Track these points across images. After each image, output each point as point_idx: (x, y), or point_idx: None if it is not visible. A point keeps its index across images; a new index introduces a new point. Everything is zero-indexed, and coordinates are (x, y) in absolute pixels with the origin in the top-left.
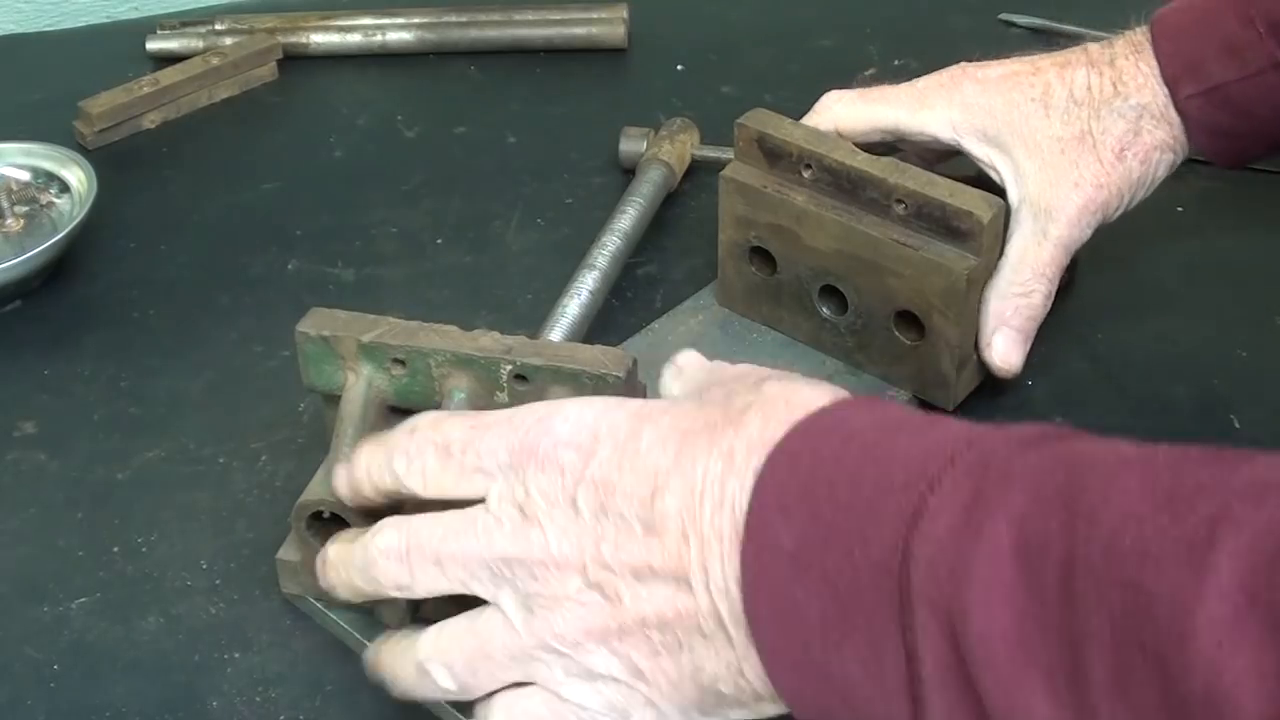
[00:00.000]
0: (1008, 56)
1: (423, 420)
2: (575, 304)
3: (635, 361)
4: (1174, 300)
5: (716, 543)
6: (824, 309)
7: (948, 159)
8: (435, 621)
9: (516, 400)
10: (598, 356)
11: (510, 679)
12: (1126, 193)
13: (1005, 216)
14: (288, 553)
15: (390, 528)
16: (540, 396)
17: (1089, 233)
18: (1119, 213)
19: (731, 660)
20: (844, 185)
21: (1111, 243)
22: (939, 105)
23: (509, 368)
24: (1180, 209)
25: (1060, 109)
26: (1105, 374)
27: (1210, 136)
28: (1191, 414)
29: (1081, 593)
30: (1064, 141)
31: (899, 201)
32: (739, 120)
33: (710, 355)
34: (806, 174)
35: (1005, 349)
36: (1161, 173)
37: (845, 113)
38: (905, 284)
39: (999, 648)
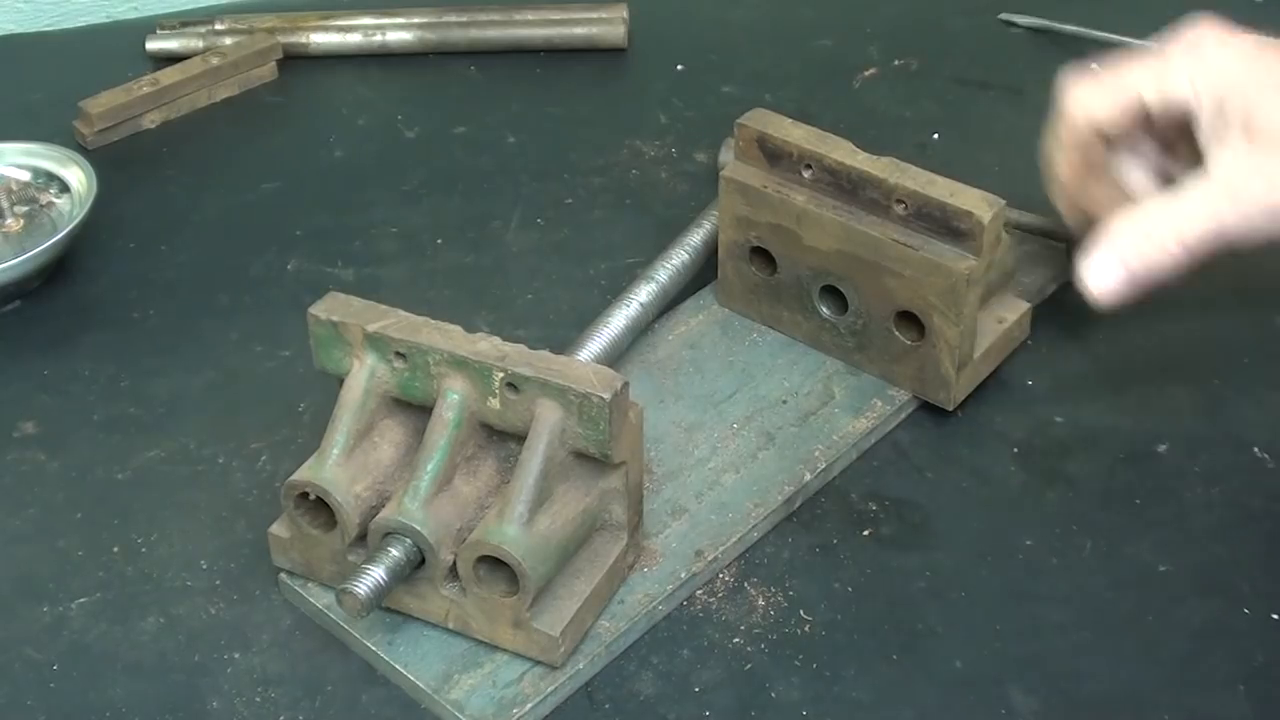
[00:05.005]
0: (1013, 57)
1: None
2: (622, 315)
3: (626, 385)
4: (1174, 300)
5: None
6: (824, 309)
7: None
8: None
9: (508, 408)
10: (588, 375)
11: None
12: None
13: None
14: (280, 528)
15: None
16: (529, 407)
17: (1245, 238)
18: None
19: None
20: (844, 185)
21: None
22: (1180, 61)
23: (501, 375)
24: None
25: None
26: (1105, 374)
27: None
28: (1191, 414)
29: None
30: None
31: (899, 201)
32: (739, 120)
33: (710, 355)
34: (806, 174)
35: (1104, 272)
36: None
37: (1093, 98)
38: (905, 284)
39: None
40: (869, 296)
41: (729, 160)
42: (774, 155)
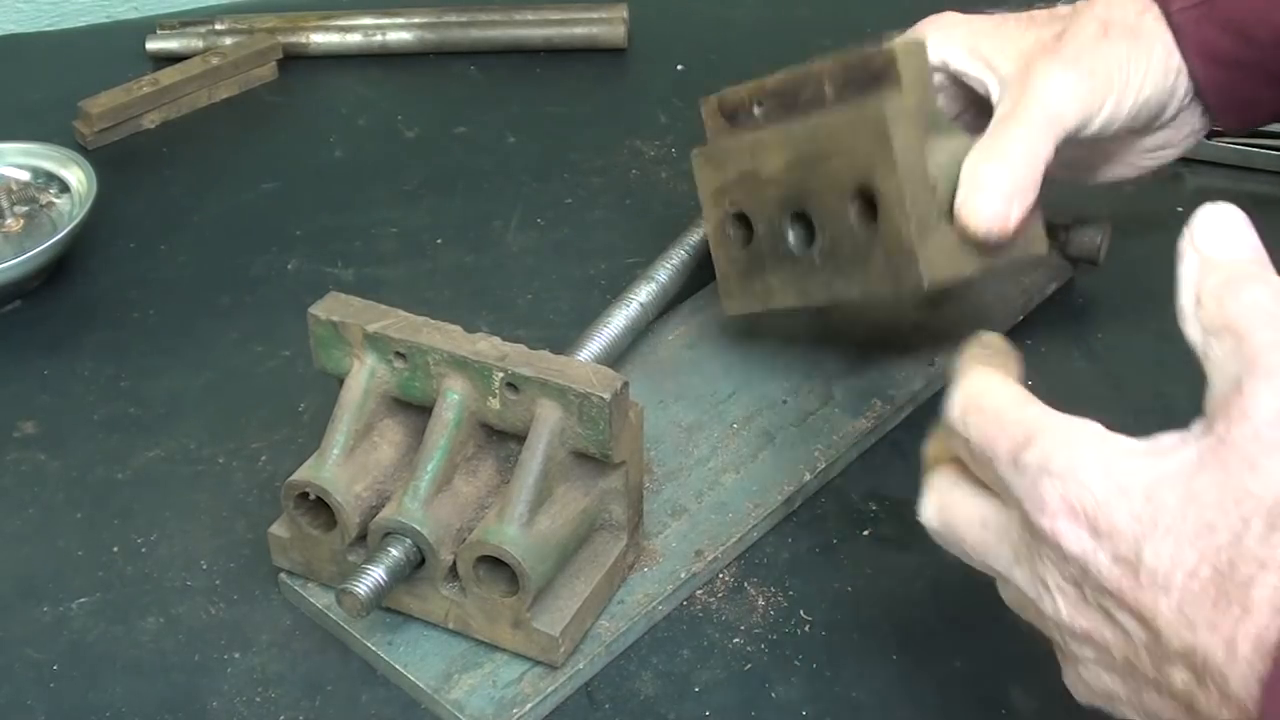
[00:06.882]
0: None
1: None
2: (622, 315)
3: (626, 385)
4: (1174, 300)
5: None
6: (796, 241)
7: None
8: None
9: (508, 408)
10: (588, 375)
11: None
12: (1115, 77)
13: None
14: (279, 528)
15: None
16: (529, 407)
17: (1073, 122)
18: (1108, 111)
19: None
20: (787, 101)
21: (1111, 242)
22: (933, 38)
23: (501, 375)
24: (1180, 209)
25: (1043, 19)
26: (1105, 374)
27: (1207, 63)
28: (1191, 414)
29: None
30: (1043, 40)
31: (829, 83)
32: (701, 98)
33: (710, 355)
34: (758, 111)
35: (976, 202)
36: (1154, 80)
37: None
38: (845, 158)
39: None
40: (824, 197)
41: None
42: (732, 112)
